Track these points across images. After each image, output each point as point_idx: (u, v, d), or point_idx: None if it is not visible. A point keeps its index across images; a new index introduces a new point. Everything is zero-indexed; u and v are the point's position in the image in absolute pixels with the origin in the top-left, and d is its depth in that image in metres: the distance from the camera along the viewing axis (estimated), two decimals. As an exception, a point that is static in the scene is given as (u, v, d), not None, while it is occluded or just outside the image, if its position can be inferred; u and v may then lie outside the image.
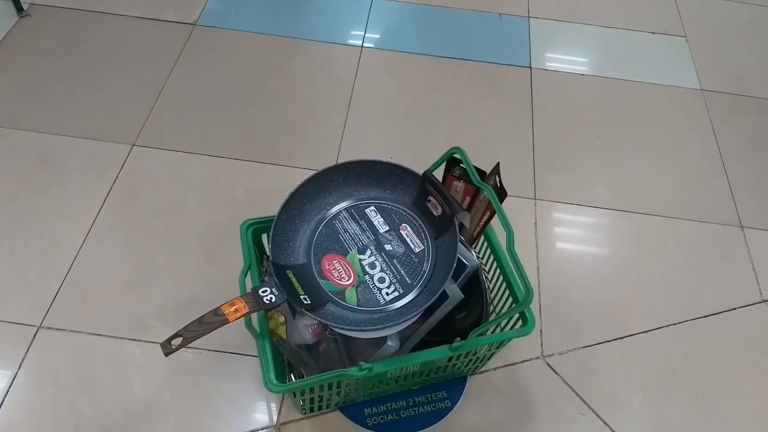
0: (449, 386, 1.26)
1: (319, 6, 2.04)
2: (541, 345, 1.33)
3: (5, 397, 1.16)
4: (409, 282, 1.05)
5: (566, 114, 1.78)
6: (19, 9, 1.85)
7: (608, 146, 1.71)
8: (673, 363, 1.32)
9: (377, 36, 1.95)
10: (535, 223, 1.52)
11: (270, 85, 1.76)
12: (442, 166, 1.14)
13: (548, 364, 1.31)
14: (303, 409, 1.19)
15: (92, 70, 1.73)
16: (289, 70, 1.81)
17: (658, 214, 1.57)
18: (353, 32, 1.95)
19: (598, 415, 1.25)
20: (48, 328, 1.25)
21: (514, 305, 1.13)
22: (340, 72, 1.82)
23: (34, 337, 1.23)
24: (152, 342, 1.24)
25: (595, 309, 1.38)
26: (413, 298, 1.03)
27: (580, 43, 2.02)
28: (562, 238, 1.52)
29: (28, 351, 1.22)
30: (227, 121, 1.64)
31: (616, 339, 1.36)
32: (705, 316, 1.40)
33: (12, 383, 1.18)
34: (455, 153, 1.11)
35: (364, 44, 1.92)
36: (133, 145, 1.56)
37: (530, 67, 1.90)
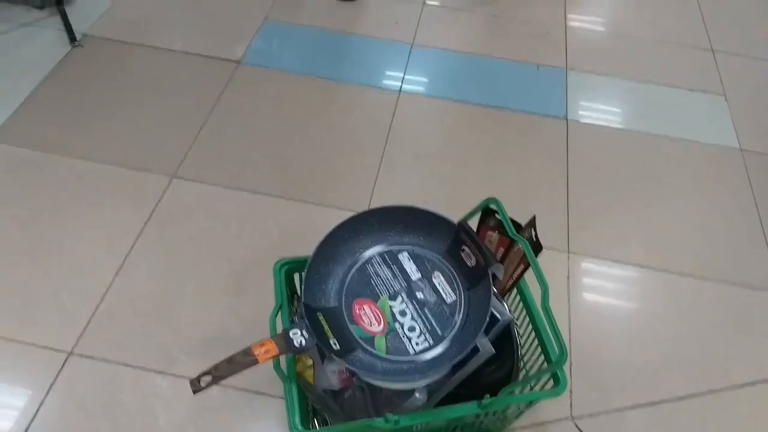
0: (474, 442, 1.23)
1: (360, 50, 2.09)
2: (571, 405, 1.29)
3: (32, 422, 1.17)
4: (440, 333, 1.04)
5: (602, 167, 1.77)
6: (72, 39, 1.93)
7: (644, 201, 1.69)
8: (707, 432, 1.28)
9: (415, 81, 1.99)
10: (568, 277, 1.50)
11: (309, 124, 1.79)
12: (477, 215, 1.14)
13: (577, 426, 1.27)
14: (324, 455, 1.17)
15: (138, 102, 1.79)
16: (329, 110, 1.84)
17: (694, 275, 1.54)
18: (392, 76, 1.99)
19: (627, 482, 1.20)
20: (79, 355, 1.26)
21: (546, 364, 1.11)
22: (377, 115, 1.85)
23: (64, 363, 1.25)
24: (179, 376, 1.25)
25: (627, 368, 1.35)
26: (443, 351, 1.01)
27: (617, 97, 2.02)
28: (595, 293, 1.49)
29: (57, 377, 1.23)
30: (266, 158, 1.67)
31: (647, 404, 1.32)
32: (740, 386, 1.36)
33: (39, 409, 1.19)
34: (491, 204, 1.10)
35: (402, 89, 1.95)
36: (173, 177, 1.59)
37: (566, 119, 1.91)
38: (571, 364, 1.35)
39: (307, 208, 1.55)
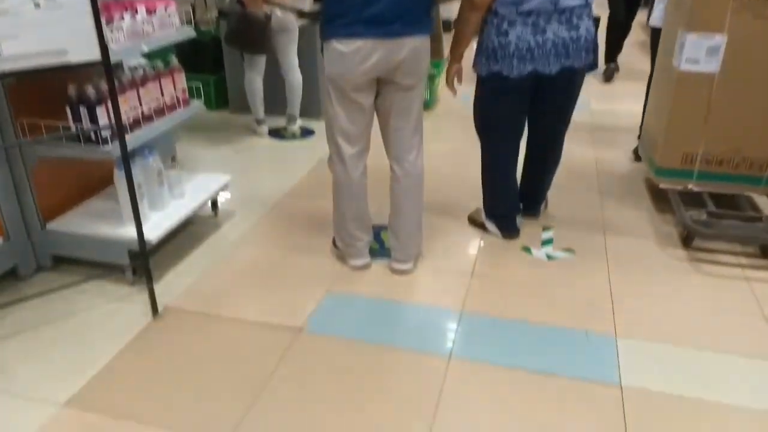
0: None
1: (412, 316, 2.12)
2: None
3: None
4: None
5: None
6: (155, 312, 2.08)
7: None
8: None
9: (465, 348, 1.96)
10: None
11: (363, 391, 1.79)
12: None
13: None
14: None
15: (204, 370, 1.86)
16: (382, 377, 1.84)
17: None
18: (443, 342, 1.97)
19: None
20: None
21: None
22: (428, 381, 1.82)
23: None
24: None
25: None
26: None
27: (671, 363, 1.90)
28: None
29: None
30: (318, 424, 1.67)
31: None
32: None
33: None
34: None
35: (452, 354, 1.92)
36: None
37: (621, 386, 1.80)
38: None
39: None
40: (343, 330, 2.01)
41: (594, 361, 1.88)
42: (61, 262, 2.33)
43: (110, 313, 2.08)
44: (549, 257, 2.44)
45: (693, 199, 2.58)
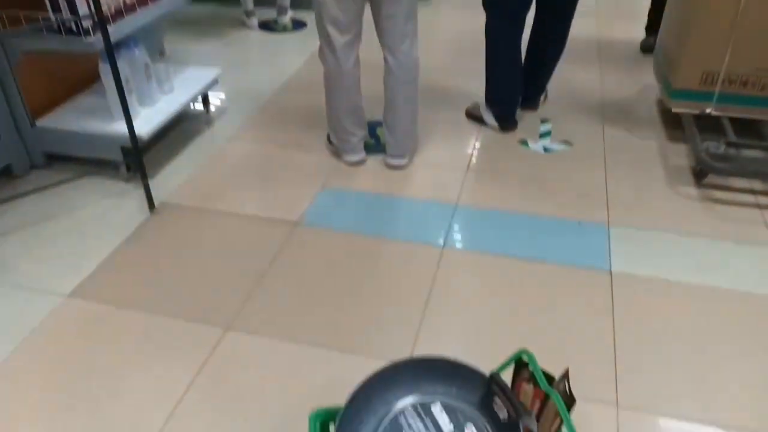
0: None
1: (408, 210, 2.13)
2: None
3: None
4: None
5: (650, 321, 1.67)
6: (152, 207, 2.10)
7: (698, 357, 1.57)
8: None
9: (459, 238, 1.98)
10: (617, 433, 1.52)
11: (359, 279, 1.82)
12: (512, 367, 1.15)
13: None
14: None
15: (202, 262, 1.89)
16: (378, 265, 1.87)
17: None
18: (436, 233, 2.00)
19: None
20: None
21: None
22: (422, 269, 1.85)
23: None
24: None
25: None
26: None
27: (661, 251, 1.91)
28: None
29: None
30: (317, 310, 1.71)
31: None
32: None
33: None
34: (522, 355, 1.15)
35: (446, 244, 1.95)
36: (227, 329, 1.65)
37: (610, 272, 1.83)
38: None
39: (352, 358, 1.57)
40: (339, 223, 2.03)
41: (585, 248, 1.92)
42: (54, 160, 2.32)
43: (107, 209, 2.10)
44: (546, 150, 2.42)
45: (711, 128, 2.33)
